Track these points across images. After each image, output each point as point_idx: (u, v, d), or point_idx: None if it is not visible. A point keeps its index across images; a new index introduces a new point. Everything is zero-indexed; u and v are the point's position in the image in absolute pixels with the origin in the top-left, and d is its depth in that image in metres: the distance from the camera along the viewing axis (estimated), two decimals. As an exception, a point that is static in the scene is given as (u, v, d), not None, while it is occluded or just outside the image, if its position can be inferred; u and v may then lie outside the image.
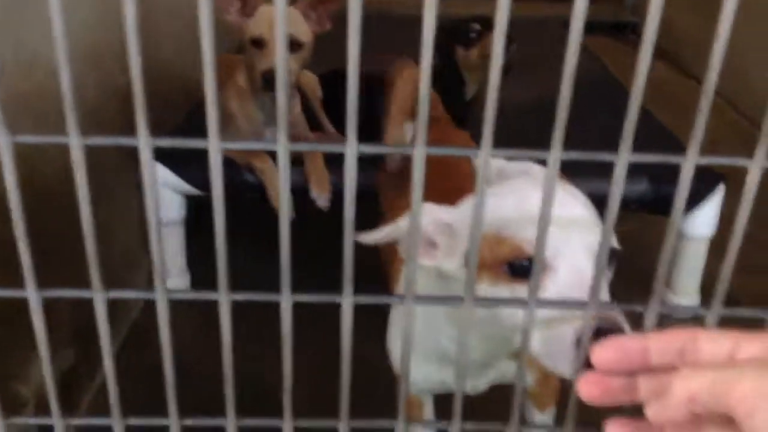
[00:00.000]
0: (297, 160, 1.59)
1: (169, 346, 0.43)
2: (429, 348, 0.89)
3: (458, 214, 0.77)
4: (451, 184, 1.03)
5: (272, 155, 1.64)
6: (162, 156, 1.62)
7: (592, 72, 2.30)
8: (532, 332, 0.65)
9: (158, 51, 1.87)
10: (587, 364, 0.39)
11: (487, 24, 1.82)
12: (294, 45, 1.49)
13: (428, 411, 1.09)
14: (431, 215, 0.78)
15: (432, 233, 0.78)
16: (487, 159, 0.33)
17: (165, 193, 1.65)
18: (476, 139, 1.74)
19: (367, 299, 0.41)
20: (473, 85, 1.90)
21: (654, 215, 1.67)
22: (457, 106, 1.74)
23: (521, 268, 0.69)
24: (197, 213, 1.71)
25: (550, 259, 0.67)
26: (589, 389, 0.39)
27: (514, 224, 0.69)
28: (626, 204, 1.64)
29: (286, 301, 0.41)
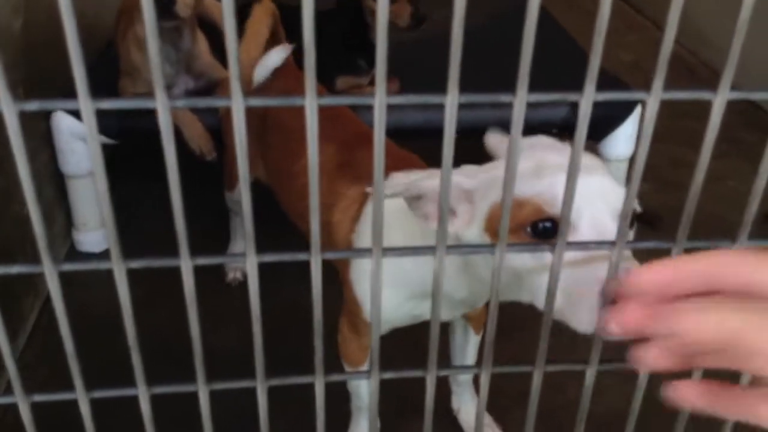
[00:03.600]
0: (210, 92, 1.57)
1: (65, 320, 0.40)
2: (418, 287, 0.93)
3: (477, 182, 0.76)
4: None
5: (189, 94, 1.58)
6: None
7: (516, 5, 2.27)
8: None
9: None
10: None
11: None
12: None
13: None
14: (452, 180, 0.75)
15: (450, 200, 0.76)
16: (382, 105, 0.31)
17: (75, 144, 1.56)
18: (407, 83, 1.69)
19: (271, 257, 0.39)
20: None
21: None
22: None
23: (543, 229, 0.68)
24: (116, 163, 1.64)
25: (572, 219, 0.64)
26: (629, 318, 0.36)
27: (534, 186, 0.68)
28: (548, 128, 1.66)
29: (185, 264, 0.39)
